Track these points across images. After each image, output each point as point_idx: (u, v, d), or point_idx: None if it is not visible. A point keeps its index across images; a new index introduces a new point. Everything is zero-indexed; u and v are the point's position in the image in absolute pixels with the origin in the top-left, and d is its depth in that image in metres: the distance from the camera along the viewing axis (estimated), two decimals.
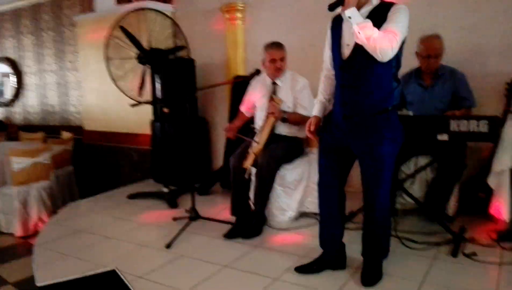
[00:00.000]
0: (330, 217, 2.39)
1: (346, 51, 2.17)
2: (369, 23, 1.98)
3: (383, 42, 1.97)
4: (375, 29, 1.98)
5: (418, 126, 2.65)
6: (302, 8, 4.19)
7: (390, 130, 2.17)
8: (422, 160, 3.14)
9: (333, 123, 2.29)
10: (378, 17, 2.05)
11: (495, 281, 2.25)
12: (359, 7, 2.05)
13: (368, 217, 2.29)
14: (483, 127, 2.46)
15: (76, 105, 6.21)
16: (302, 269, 2.43)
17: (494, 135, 2.49)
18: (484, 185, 2.90)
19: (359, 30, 1.97)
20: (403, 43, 2.10)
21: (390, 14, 2.06)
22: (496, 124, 2.48)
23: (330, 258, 2.43)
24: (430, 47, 3.07)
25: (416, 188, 3.24)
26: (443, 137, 2.58)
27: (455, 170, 3.01)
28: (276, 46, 3.25)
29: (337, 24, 2.25)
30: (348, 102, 2.18)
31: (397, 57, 2.13)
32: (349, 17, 2.00)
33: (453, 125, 2.54)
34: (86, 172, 5.60)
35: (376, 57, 2.02)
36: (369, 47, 2.00)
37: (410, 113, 2.78)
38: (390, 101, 2.17)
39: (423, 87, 3.19)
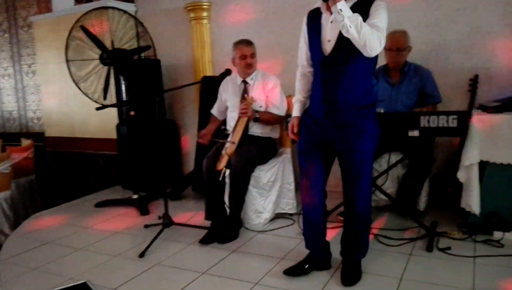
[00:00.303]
0: (314, 216, 2.36)
1: (328, 47, 2.13)
2: (359, 17, 1.95)
3: (372, 38, 1.95)
4: (365, 24, 1.96)
5: (389, 123, 2.68)
6: (269, 6, 4.16)
7: (371, 126, 2.18)
8: (394, 157, 3.18)
9: (313, 121, 2.26)
10: (360, 12, 2.01)
11: (470, 274, 2.30)
12: None
13: (349, 215, 2.28)
14: (452, 122, 2.52)
15: (36, 110, 5.93)
16: (290, 272, 2.38)
17: (463, 130, 2.55)
18: (452, 180, 2.96)
19: (350, 24, 1.93)
20: None
21: (372, 10, 2.04)
22: (465, 119, 2.53)
23: (317, 258, 2.41)
24: (394, 40, 3.12)
25: (388, 184, 3.28)
26: (414, 133, 2.61)
27: (424, 165, 3.07)
28: (246, 42, 3.23)
29: (314, 19, 2.20)
30: (330, 99, 2.15)
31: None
32: (340, 10, 1.94)
33: (423, 121, 2.58)
34: (49, 181, 5.37)
35: (364, 52, 1.99)
36: (358, 42, 1.96)
37: (381, 110, 2.80)
38: (371, 97, 2.18)
39: (390, 84, 3.23)
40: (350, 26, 1.93)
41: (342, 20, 1.95)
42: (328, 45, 2.12)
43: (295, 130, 2.36)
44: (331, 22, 2.10)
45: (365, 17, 2.03)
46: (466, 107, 3.31)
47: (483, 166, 2.77)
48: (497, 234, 2.73)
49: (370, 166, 2.24)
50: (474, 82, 3.36)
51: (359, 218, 2.25)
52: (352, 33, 1.94)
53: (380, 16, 2.03)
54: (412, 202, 3.18)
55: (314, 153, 2.28)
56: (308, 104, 2.37)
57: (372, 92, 2.18)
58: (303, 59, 2.35)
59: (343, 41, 2.03)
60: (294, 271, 2.38)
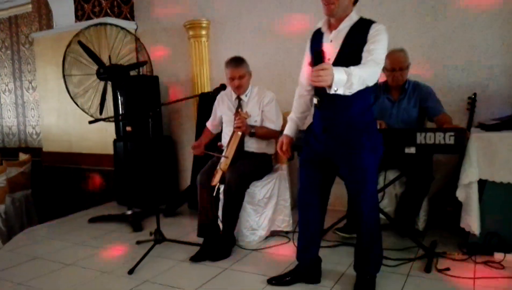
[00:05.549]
0: (308, 229, 2.36)
1: None
2: (351, 76, 1.82)
3: (371, 78, 1.94)
4: (359, 72, 1.86)
5: (386, 140, 2.63)
6: (264, 25, 4.18)
7: (369, 140, 2.14)
8: (391, 174, 3.13)
9: (314, 137, 2.25)
10: (358, 34, 2.03)
11: None
12: (339, 21, 2.07)
13: (357, 230, 2.28)
14: (449, 139, 2.47)
15: (35, 125, 5.94)
16: (274, 280, 2.40)
17: (460, 147, 2.49)
18: (451, 199, 2.89)
19: (350, 91, 1.86)
20: None
21: (371, 35, 2.02)
22: (462, 136, 2.48)
23: (305, 270, 2.40)
24: (395, 60, 3.09)
25: (386, 203, 3.22)
26: (410, 150, 2.57)
27: (422, 183, 3.01)
28: (235, 63, 3.14)
29: (317, 39, 2.22)
30: (328, 116, 2.16)
31: None
32: (336, 90, 1.84)
33: (420, 138, 2.54)
34: (45, 196, 5.32)
35: None
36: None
37: (377, 126, 2.75)
38: (369, 115, 2.16)
39: (391, 101, 3.19)
40: (350, 92, 1.87)
41: (334, 42, 2.00)
42: None
43: (284, 148, 2.37)
44: (331, 41, 2.11)
45: (362, 39, 2.02)
46: (465, 125, 3.29)
47: (483, 185, 2.71)
48: (498, 255, 2.65)
49: (373, 180, 2.20)
50: (472, 100, 3.33)
51: (365, 233, 2.23)
52: (355, 90, 1.88)
53: (378, 46, 2.01)
54: (411, 222, 3.10)
55: (313, 168, 2.27)
56: (301, 124, 2.42)
57: (370, 111, 2.16)
58: (304, 78, 2.35)
59: (341, 61, 2.00)
60: (278, 280, 2.40)
